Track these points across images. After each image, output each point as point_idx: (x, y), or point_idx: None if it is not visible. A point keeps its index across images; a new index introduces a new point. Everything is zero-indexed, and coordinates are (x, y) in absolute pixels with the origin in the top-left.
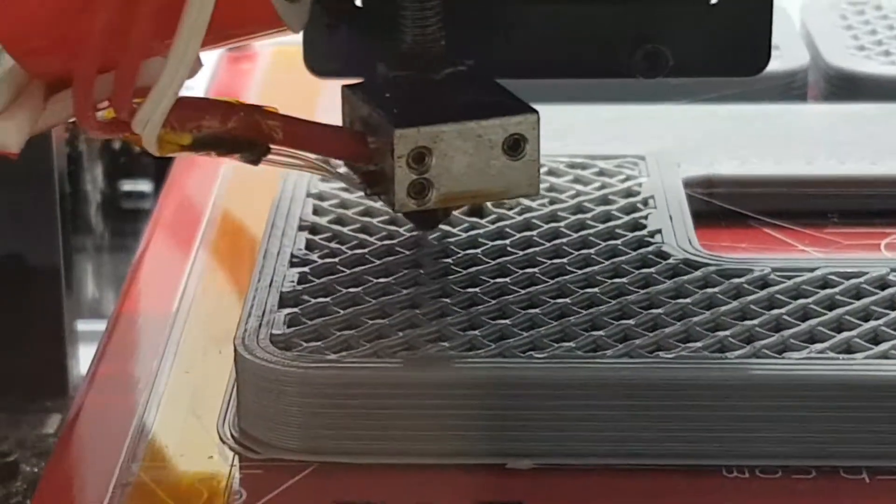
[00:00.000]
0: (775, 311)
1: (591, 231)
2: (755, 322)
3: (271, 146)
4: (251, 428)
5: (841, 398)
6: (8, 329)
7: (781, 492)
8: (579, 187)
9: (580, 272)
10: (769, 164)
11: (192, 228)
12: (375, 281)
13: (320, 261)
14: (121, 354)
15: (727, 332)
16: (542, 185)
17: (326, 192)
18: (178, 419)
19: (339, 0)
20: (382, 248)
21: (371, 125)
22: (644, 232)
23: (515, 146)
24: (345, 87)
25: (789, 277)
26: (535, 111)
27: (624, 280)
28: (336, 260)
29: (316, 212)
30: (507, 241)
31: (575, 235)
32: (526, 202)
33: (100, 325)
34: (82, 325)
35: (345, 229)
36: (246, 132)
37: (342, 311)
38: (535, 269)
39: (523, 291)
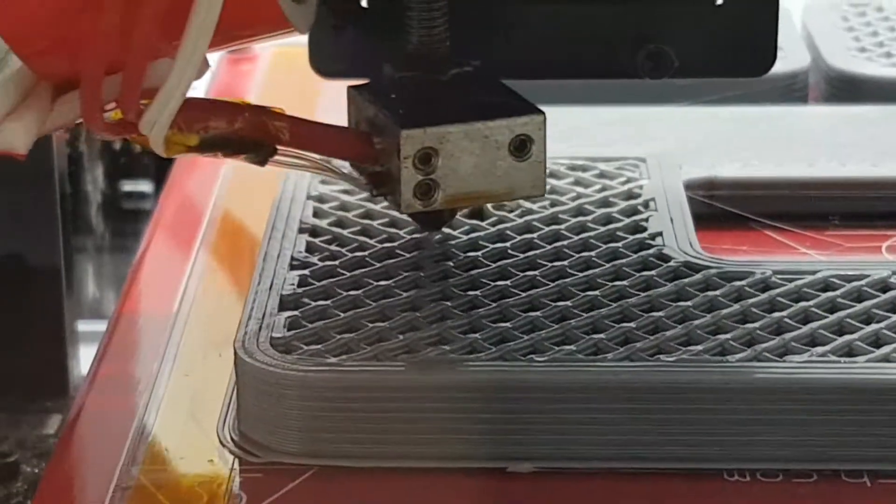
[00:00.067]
0: (776, 314)
1: (592, 234)
2: (756, 325)
3: (277, 147)
4: (251, 431)
5: (842, 402)
6: (8, 329)
7: (782, 495)
8: (580, 189)
9: (581, 275)
10: (770, 167)
11: (193, 229)
12: (376, 284)
13: (320, 263)
14: (121, 355)
15: (728, 336)
16: None
17: (327, 194)
18: (178, 422)
19: (345, 1)
20: (383, 250)
21: (377, 126)
22: (645, 234)
23: (522, 147)
24: (351, 87)
25: (790, 280)
26: (542, 112)
27: (625, 283)
28: (336, 263)
29: (316, 214)
30: (508, 244)
31: (575, 238)
32: (526, 204)
33: (100, 326)
34: (83, 326)
35: (345, 232)
36: (252, 133)
37: (342, 314)
38: (536, 272)
39: (524, 294)
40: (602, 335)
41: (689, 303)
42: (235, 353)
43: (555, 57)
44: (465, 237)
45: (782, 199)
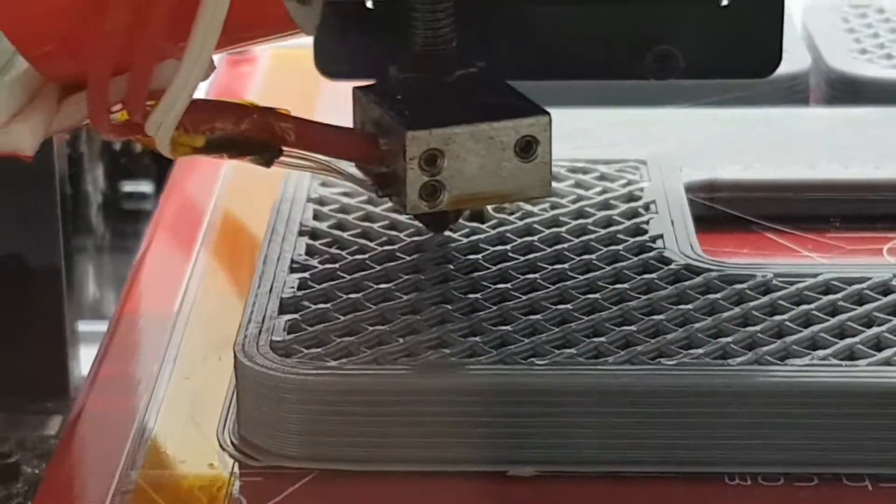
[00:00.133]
0: (777, 318)
1: (593, 236)
2: (757, 328)
3: (283, 148)
4: (251, 435)
5: (843, 405)
6: (9, 329)
7: (783, 499)
8: (580, 192)
9: (581, 277)
10: (771, 169)
11: (193, 230)
12: (376, 286)
13: (320, 266)
14: (122, 356)
15: (729, 339)
16: None
17: (327, 196)
18: (178, 426)
19: (350, 2)
20: (383, 253)
21: (383, 127)
22: (645, 237)
23: (527, 148)
24: (356, 88)
25: (791, 283)
26: (547, 113)
27: (625, 286)
28: (336, 265)
29: (316, 216)
30: (508, 247)
31: (576, 240)
32: (527, 207)
33: (101, 326)
34: (83, 326)
35: (345, 234)
36: (258, 134)
37: (342, 318)
38: (536, 275)
39: (524, 297)
40: (603, 338)
41: (689, 306)
42: (235, 357)
43: (561, 58)
44: (465, 239)
45: (783, 202)
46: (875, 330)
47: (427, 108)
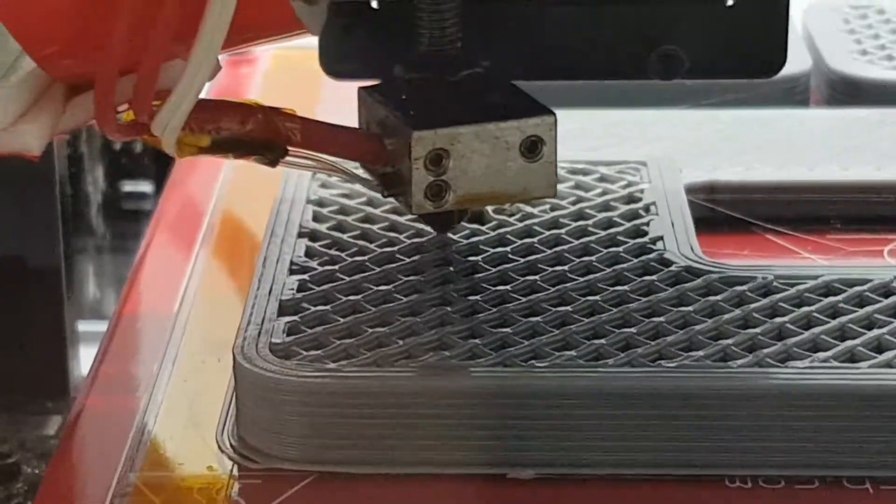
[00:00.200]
0: (778, 319)
1: (593, 238)
2: (758, 330)
3: (288, 148)
4: (250, 437)
5: (844, 407)
6: (9, 329)
7: (784, 502)
8: (580, 193)
9: (582, 280)
10: (772, 170)
11: (193, 230)
12: (376, 289)
13: (320, 268)
14: (121, 356)
15: (730, 341)
16: None
17: (326, 198)
18: (177, 428)
19: (356, 2)
20: (383, 255)
21: (388, 127)
22: (646, 239)
23: (533, 148)
24: (361, 88)
25: (792, 285)
26: (553, 113)
27: (626, 288)
28: (336, 267)
29: (316, 218)
30: (508, 248)
31: (576, 242)
32: (527, 208)
33: (100, 326)
34: (83, 326)
35: (345, 236)
36: (264, 134)
37: (342, 320)
38: (536, 277)
39: (524, 299)
40: (603, 340)
41: (690, 308)
42: (234, 359)
43: (564, 58)
44: (465, 241)
45: (784, 203)
46: (876, 332)
47: (432, 108)
